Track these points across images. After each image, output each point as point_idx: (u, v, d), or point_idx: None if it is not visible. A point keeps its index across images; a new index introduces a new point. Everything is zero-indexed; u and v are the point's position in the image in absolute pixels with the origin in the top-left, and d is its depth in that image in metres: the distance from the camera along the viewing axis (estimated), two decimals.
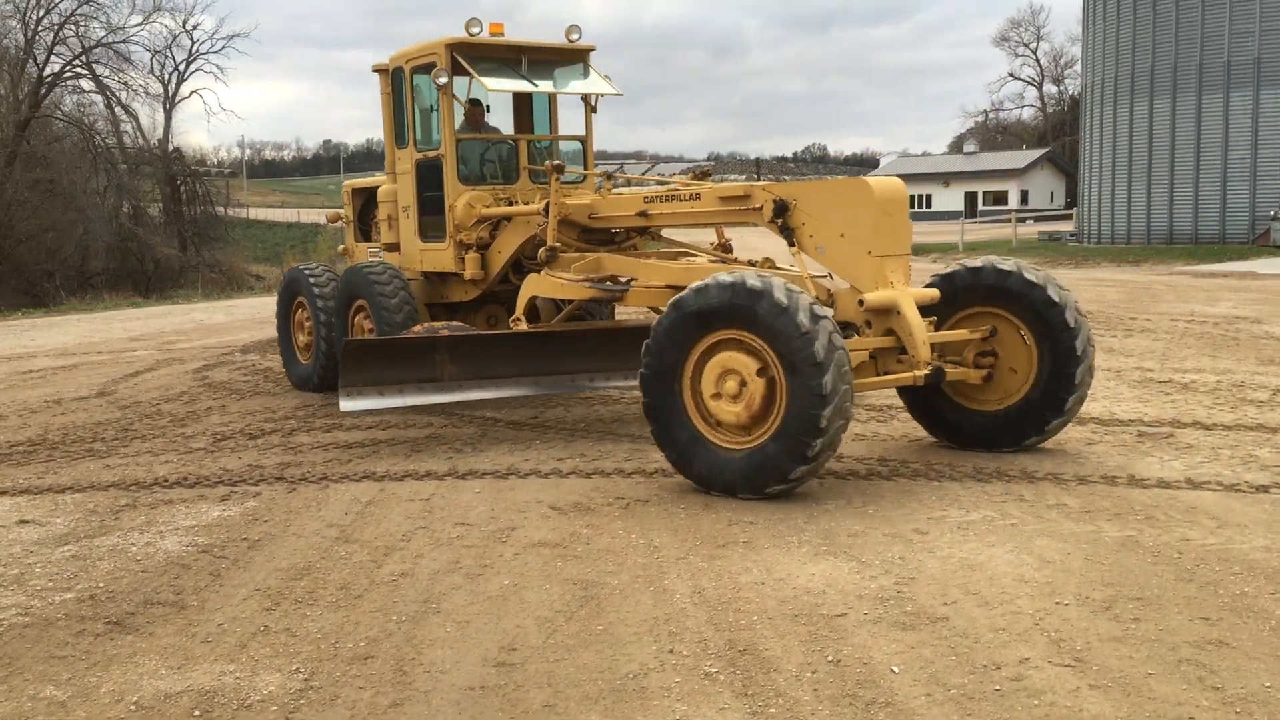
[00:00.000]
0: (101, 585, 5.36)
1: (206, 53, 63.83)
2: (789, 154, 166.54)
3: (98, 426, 9.75)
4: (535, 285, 9.07)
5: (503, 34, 9.93)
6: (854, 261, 7.09)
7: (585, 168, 10.54)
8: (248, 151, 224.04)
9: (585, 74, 10.36)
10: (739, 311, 6.38)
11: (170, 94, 59.98)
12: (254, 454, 8.36)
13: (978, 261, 7.57)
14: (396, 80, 10.47)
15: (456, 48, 9.72)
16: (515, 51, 10.00)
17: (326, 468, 7.80)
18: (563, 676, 4.17)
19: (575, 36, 10.12)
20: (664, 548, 5.71)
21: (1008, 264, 7.42)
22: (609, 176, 9.77)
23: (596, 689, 4.04)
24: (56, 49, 43.55)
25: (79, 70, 45.28)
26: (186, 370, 13.43)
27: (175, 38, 68.08)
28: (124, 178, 51.90)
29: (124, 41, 45.86)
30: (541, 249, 9.03)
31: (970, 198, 75.82)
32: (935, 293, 7.30)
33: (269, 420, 9.75)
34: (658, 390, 6.77)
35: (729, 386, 6.52)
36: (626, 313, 12.34)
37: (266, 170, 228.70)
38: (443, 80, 9.62)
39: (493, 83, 9.77)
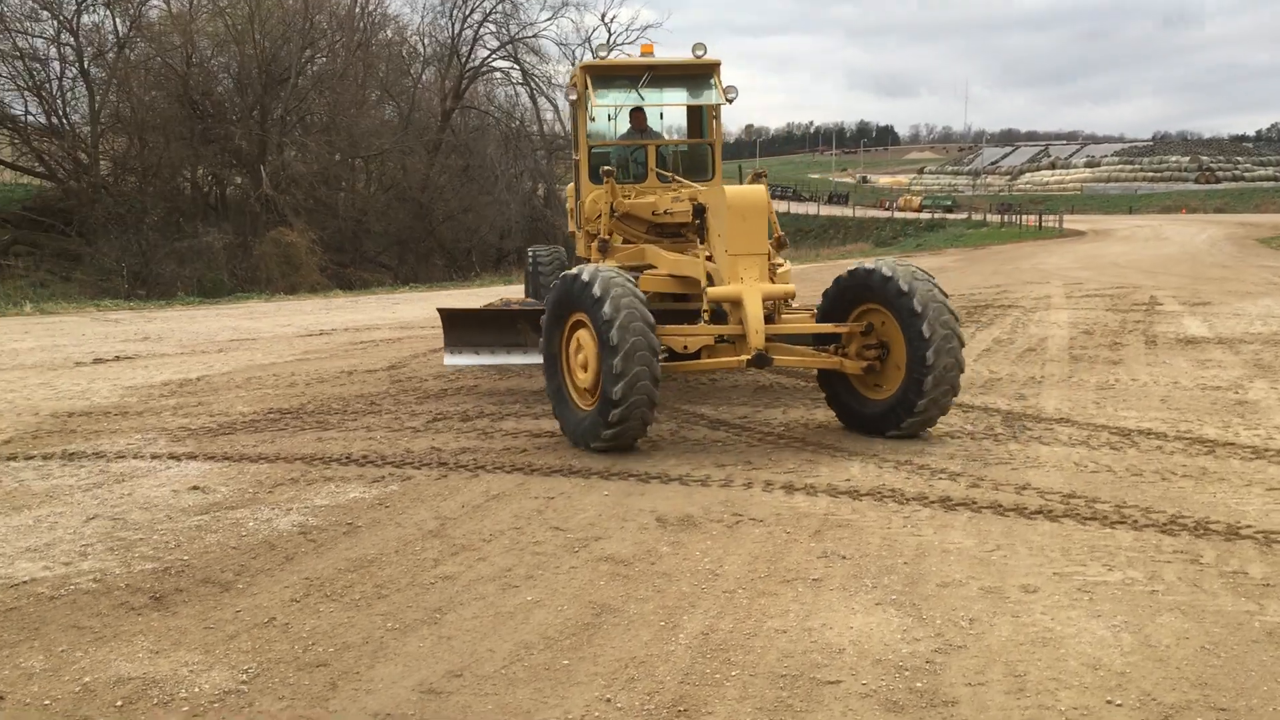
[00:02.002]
0: (187, 559, 5.67)
1: (622, 44, 67.03)
2: (1250, 132, 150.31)
3: (350, 400, 10.42)
4: None
5: (652, 53, 11.28)
6: (719, 259, 8.26)
7: (712, 169, 11.49)
8: (675, 136, 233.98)
9: (707, 87, 11.16)
10: (576, 300, 7.82)
11: None
12: (449, 437, 8.58)
13: (869, 263, 8.26)
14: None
15: (589, 69, 10.96)
16: (642, 70, 11.04)
17: (499, 457, 7.86)
18: (476, 714, 3.89)
19: (700, 53, 10.79)
20: (724, 576, 5.24)
21: (874, 262, 8.18)
22: (758, 176, 9.96)
23: None
24: (475, 45, 47.17)
25: (500, 63, 48.86)
26: None
27: (594, 30, 72.13)
28: (540, 163, 55.66)
29: (534, 36, 48.96)
30: (594, 240, 10.22)
31: None
32: (790, 288, 8.42)
33: (499, 403, 9.99)
34: (551, 370, 8.35)
35: (580, 359, 7.97)
36: None
37: None
38: (572, 97, 11.13)
39: (600, 97, 10.88)
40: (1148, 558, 5.38)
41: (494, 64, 49.10)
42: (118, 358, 14.35)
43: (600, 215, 10.43)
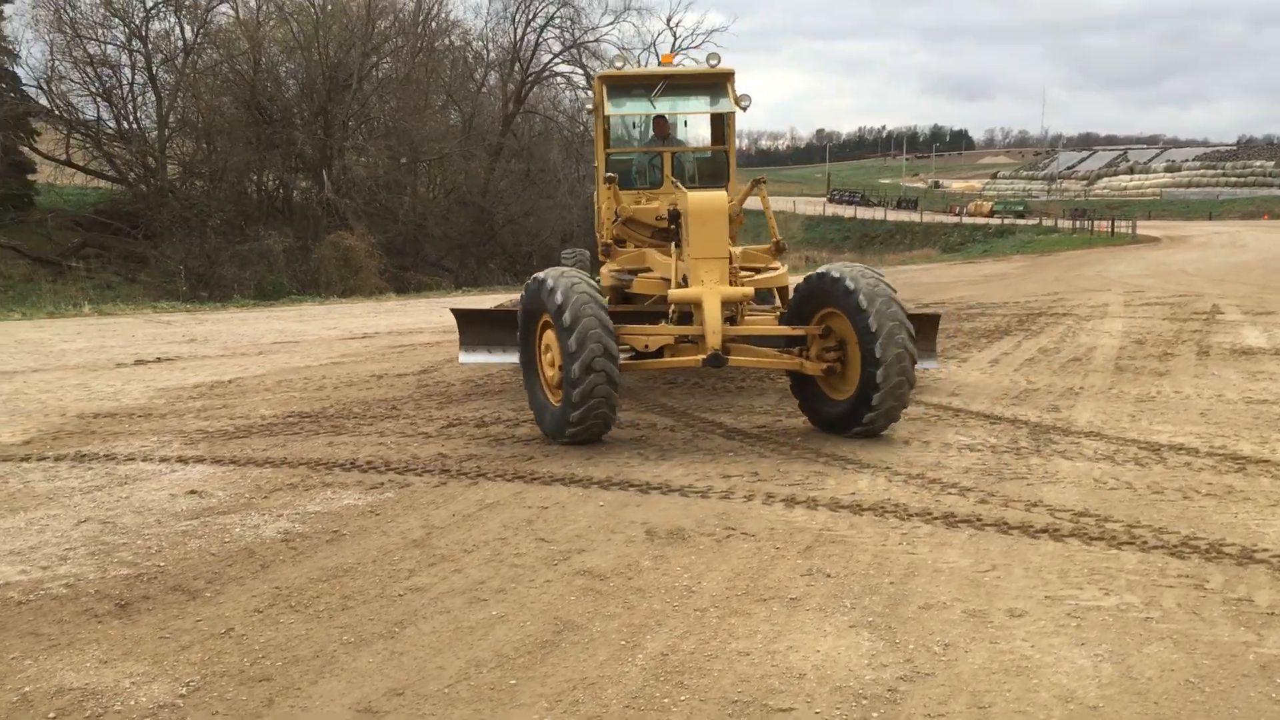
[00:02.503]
0: (163, 565, 5.61)
1: (687, 48, 66.84)
2: None
3: (372, 404, 10.38)
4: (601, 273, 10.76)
5: (672, 63, 12.14)
6: (685, 261, 8.60)
7: (726, 175, 11.66)
8: (744, 141, 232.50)
9: (721, 95, 11.36)
10: (543, 303, 8.17)
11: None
12: (459, 443, 8.48)
13: (827, 268, 8.49)
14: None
15: (606, 79, 11.37)
16: (658, 80, 11.41)
17: (504, 464, 7.74)
18: None
19: (714, 63, 11.24)
20: (699, 594, 5.05)
21: (828, 265, 8.59)
22: (757, 182, 10.08)
23: None
24: (537, 49, 47.30)
25: (563, 68, 48.96)
26: None
27: (659, 34, 72.01)
28: None
29: (596, 41, 48.98)
30: (600, 243, 10.76)
31: None
32: (748, 291, 8.67)
33: (519, 409, 9.88)
34: (526, 368, 8.81)
35: (549, 358, 8.41)
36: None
37: (762, 159, 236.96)
38: (589, 107, 11.94)
39: (613, 106, 11.32)
40: (1149, 582, 5.09)
41: (556, 68, 49.22)
42: (159, 359, 14.49)
43: (610, 220, 10.78)
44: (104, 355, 14.92)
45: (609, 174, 10.53)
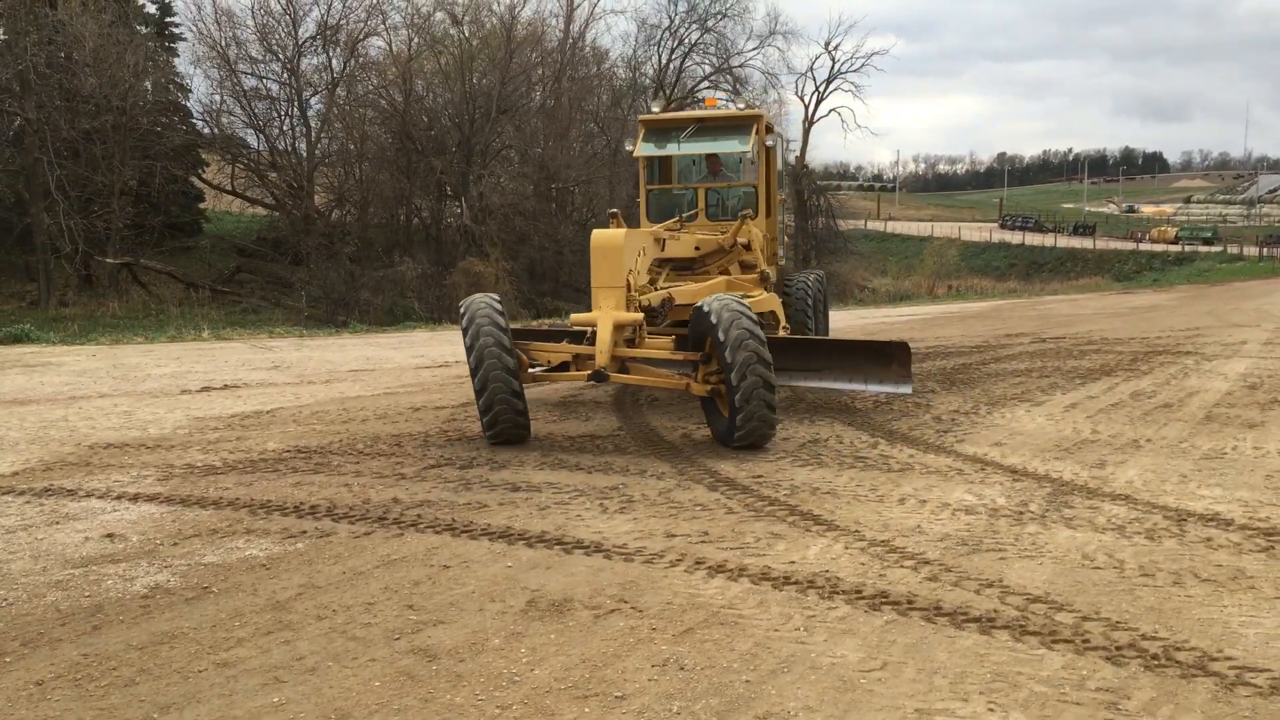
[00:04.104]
0: (1, 621, 5.28)
1: (845, 72, 65.68)
2: None
3: (383, 438, 10.06)
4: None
5: (715, 105, 13.62)
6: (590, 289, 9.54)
7: (756, 210, 12.78)
8: (921, 165, 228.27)
9: (748, 137, 12.30)
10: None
11: (809, 113, 62.55)
12: (424, 487, 8.04)
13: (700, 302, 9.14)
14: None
15: (645, 122, 12.80)
16: (690, 122, 12.62)
17: (450, 512, 7.24)
18: None
19: (741, 106, 13.85)
20: (520, 684, 4.42)
21: (704, 299, 9.08)
22: (744, 217, 11.91)
23: None
24: (681, 75, 47.01)
25: (705, 93, 48.55)
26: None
27: (816, 59, 70.97)
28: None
29: (741, 66, 48.40)
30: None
31: None
32: (637, 316, 9.47)
33: (523, 450, 9.40)
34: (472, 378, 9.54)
35: None
36: None
37: (939, 184, 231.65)
38: (629, 147, 12.94)
39: (644, 148, 12.51)
40: (1055, 696, 4.20)
41: (700, 94, 48.81)
42: (225, 386, 14.59)
43: None
44: (180, 382, 15.13)
45: (612, 210, 11.22)
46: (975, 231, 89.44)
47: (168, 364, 17.76)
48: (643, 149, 12.61)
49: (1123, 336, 19.45)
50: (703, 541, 6.48)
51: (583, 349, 9.52)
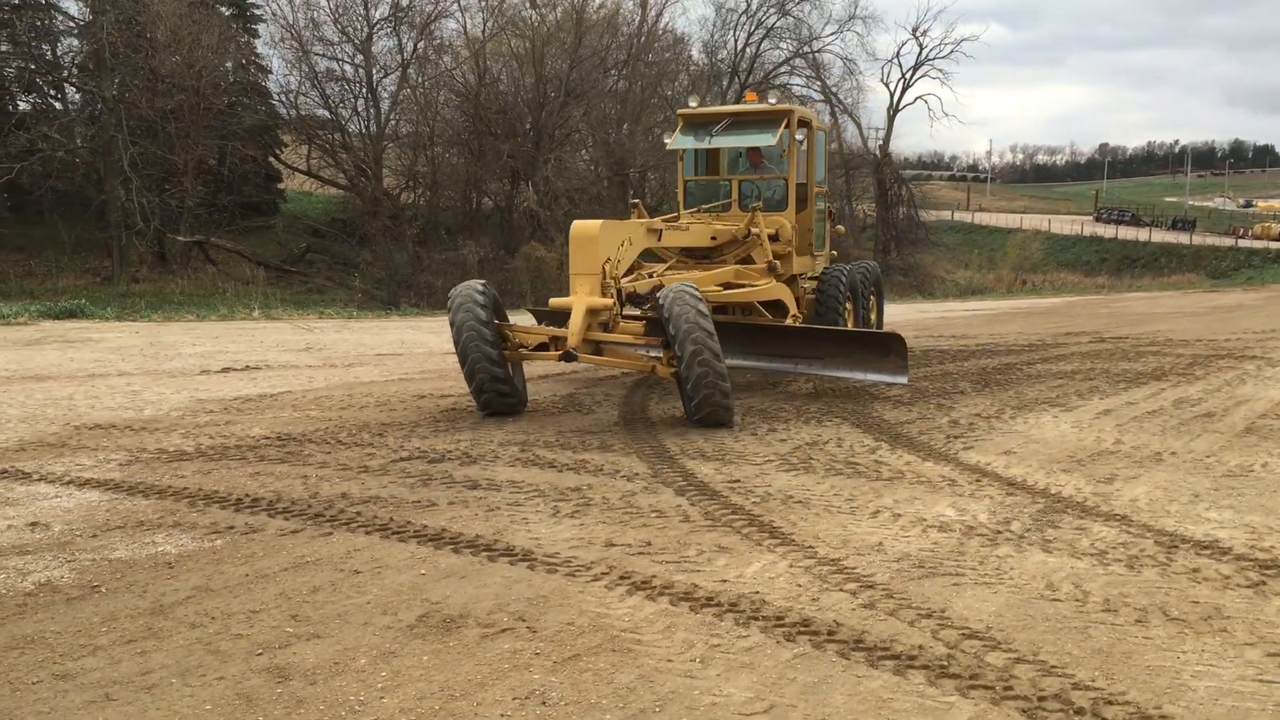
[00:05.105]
0: None
1: (934, 59, 64.18)
2: None
3: (368, 426, 9.82)
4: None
5: (757, 100, 13.56)
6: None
7: (788, 201, 13.10)
8: (1019, 156, 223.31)
9: (776, 130, 12.61)
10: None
11: (894, 100, 61.29)
12: (383, 481, 7.70)
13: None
14: None
15: (685, 115, 13.34)
16: (724, 116, 13.09)
17: (394, 511, 6.89)
18: None
19: (773, 100, 13.23)
20: (362, 714, 4.01)
21: (666, 288, 9.65)
22: (754, 209, 12.44)
23: None
24: (756, 60, 46.18)
25: (780, 79, 47.68)
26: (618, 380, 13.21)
27: (903, 44, 69.41)
28: (834, 181, 54.11)
29: (819, 51, 47.42)
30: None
31: None
32: (608, 301, 9.86)
33: (502, 444, 9.05)
34: None
35: None
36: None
37: (1037, 175, 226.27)
38: (667, 140, 13.53)
39: (678, 140, 13.17)
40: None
41: (776, 79, 47.93)
42: (246, 368, 14.47)
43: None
44: (206, 362, 15.06)
45: (634, 200, 12.12)
46: (1067, 224, 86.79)
47: (204, 343, 17.75)
48: (678, 141, 13.25)
49: (1189, 338, 18.45)
50: (640, 553, 6.03)
51: (559, 331, 10.10)
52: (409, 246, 35.47)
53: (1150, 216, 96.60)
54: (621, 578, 5.58)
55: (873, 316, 15.87)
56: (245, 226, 40.63)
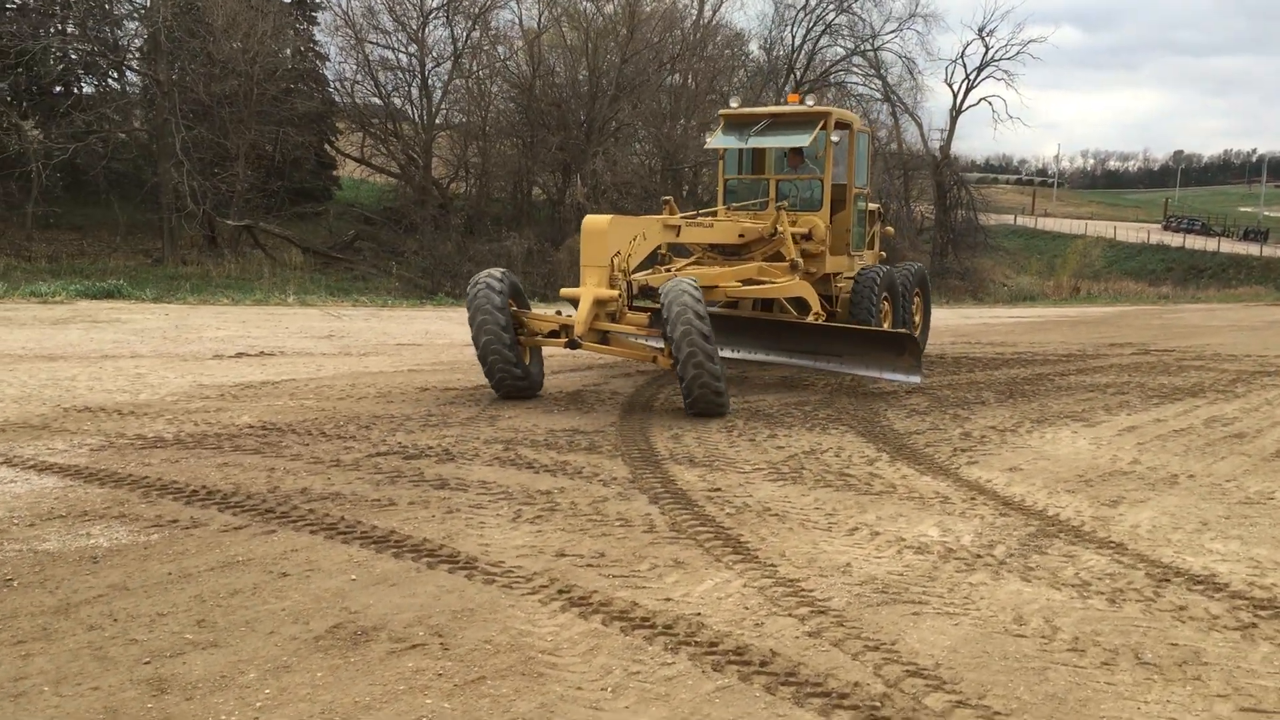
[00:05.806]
0: None
1: (998, 59, 62.96)
2: None
3: (358, 417, 9.63)
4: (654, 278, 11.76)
5: (799, 101, 13.67)
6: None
7: (823, 202, 13.45)
8: (1090, 161, 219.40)
9: (811, 131, 12.93)
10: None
11: (957, 101, 60.22)
12: (349, 476, 7.44)
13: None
14: None
15: (725, 115, 13.86)
16: (763, 117, 13.55)
17: (349, 509, 6.62)
18: None
19: (810, 102, 13.47)
20: None
21: (669, 281, 9.99)
22: (780, 208, 12.88)
23: None
24: (814, 57, 45.52)
25: (839, 76, 46.99)
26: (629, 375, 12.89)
27: (968, 44, 68.15)
28: (892, 182, 53.34)
29: (876, 50, 46.60)
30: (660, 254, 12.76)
31: None
32: (613, 293, 10.17)
33: (488, 441, 8.78)
34: None
35: None
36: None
37: (1108, 180, 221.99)
38: (707, 139, 14.23)
39: (714, 141, 13.81)
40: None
41: (834, 76, 47.24)
42: (261, 353, 14.35)
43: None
44: (222, 346, 14.98)
45: (666, 197, 12.26)
46: (1133, 232, 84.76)
47: (230, 327, 17.69)
48: (719, 140, 13.74)
49: (1238, 354, 17.71)
50: (590, 565, 5.69)
51: (568, 320, 10.43)
52: (453, 236, 35.31)
53: (1221, 226, 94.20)
54: (560, 591, 5.25)
55: (917, 318, 15.53)
56: (296, 212, 40.71)
